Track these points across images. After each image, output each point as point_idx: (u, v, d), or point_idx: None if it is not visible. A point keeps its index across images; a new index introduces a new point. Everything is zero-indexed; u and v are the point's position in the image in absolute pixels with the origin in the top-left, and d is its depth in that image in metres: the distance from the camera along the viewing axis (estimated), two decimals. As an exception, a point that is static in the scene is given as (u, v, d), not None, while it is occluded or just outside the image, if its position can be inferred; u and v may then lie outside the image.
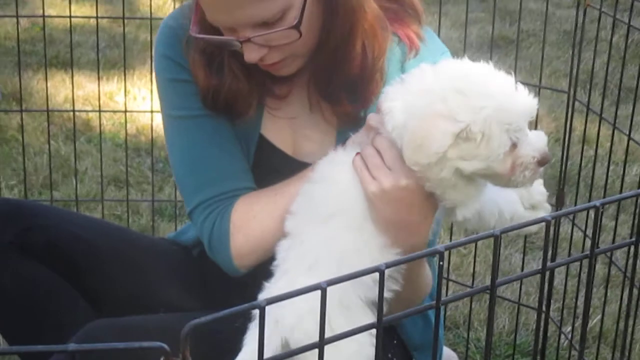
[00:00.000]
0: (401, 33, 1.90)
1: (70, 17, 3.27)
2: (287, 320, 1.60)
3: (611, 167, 2.55)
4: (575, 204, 2.78)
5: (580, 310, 2.84)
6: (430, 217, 1.72)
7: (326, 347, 1.49)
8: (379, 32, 1.83)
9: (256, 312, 1.66)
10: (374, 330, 1.65)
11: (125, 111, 3.40)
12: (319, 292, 1.65)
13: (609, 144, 2.64)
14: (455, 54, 1.82)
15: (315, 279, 1.65)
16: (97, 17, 3.24)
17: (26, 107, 4.32)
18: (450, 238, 3.01)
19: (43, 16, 3.26)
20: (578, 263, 2.82)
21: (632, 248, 1.28)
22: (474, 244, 3.12)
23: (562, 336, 2.79)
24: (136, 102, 4.66)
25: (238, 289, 1.86)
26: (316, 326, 1.57)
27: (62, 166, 3.96)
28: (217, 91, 1.88)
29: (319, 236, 1.69)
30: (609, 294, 2.52)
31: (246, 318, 1.66)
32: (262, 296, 1.69)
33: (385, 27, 1.85)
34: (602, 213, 1.16)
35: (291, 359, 1.16)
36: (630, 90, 4.67)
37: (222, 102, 1.90)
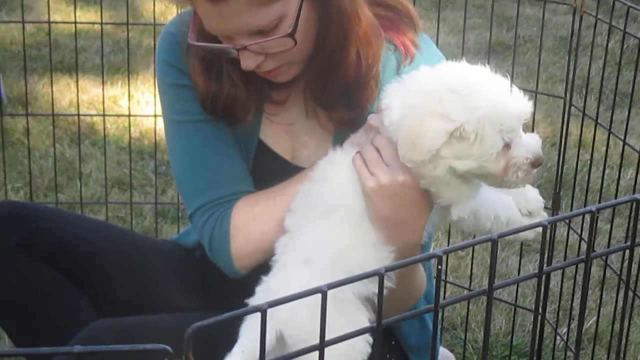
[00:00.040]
0: (397, 41, 1.90)
1: (75, 22, 3.27)
2: (281, 313, 1.61)
3: (606, 171, 2.55)
4: (571, 207, 2.78)
5: (575, 312, 2.83)
6: (425, 214, 1.73)
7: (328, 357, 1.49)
8: (372, 39, 1.83)
9: (251, 300, 1.69)
10: (365, 324, 1.67)
11: (129, 115, 3.40)
12: (310, 286, 1.67)
13: (604, 148, 2.64)
14: (453, 59, 1.82)
15: (310, 273, 1.68)
16: (101, 23, 3.25)
17: (32, 111, 4.32)
18: (448, 241, 3.01)
19: (49, 22, 3.26)
20: (574, 266, 2.82)
21: (627, 252, 1.28)
22: (471, 247, 3.12)
23: (558, 337, 2.79)
24: (140, 106, 4.66)
25: (239, 290, 1.86)
26: (309, 319, 1.59)
27: (67, 169, 3.96)
28: (216, 97, 1.89)
29: (315, 232, 1.71)
30: (604, 296, 2.51)
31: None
32: (259, 289, 1.71)
33: (379, 35, 1.85)
34: (597, 217, 1.17)
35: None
36: (626, 96, 4.68)
37: (221, 108, 1.90)
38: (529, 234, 1.73)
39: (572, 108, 2.62)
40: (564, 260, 2.89)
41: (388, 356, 2.06)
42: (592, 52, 2.57)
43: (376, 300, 1.72)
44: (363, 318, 1.69)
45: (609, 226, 2.68)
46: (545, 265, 1.24)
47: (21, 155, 4.04)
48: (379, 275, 0.98)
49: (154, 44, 2.15)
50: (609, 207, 1.44)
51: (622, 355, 2.44)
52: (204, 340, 1.16)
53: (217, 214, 1.92)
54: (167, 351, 0.87)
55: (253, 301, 1.70)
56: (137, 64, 5.07)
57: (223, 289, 2.03)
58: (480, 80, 1.63)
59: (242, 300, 1.69)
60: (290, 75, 1.86)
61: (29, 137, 3.42)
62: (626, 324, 2.38)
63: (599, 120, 2.53)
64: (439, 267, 1.04)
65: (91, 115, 4.40)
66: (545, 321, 2.80)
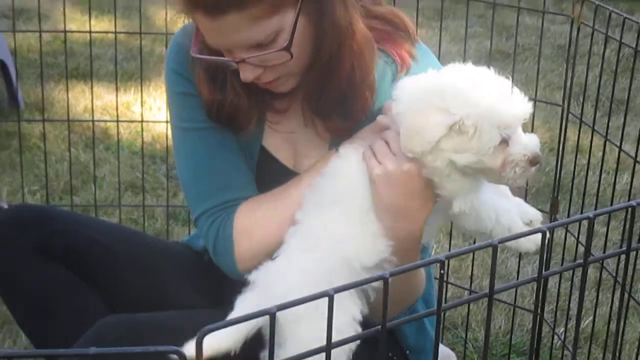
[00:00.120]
0: (393, 52, 1.90)
1: (90, 32, 3.27)
2: (276, 291, 1.66)
3: (603, 176, 2.55)
4: (569, 211, 2.77)
5: (572, 312, 2.83)
6: (428, 206, 1.74)
7: (313, 337, 1.51)
8: (366, 51, 1.83)
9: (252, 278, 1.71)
10: (355, 315, 1.69)
11: (142, 121, 3.40)
12: (308, 269, 1.69)
13: (600, 153, 2.63)
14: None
15: (309, 258, 1.71)
16: (115, 32, 3.25)
17: (48, 117, 4.33)
18: (450, 243, 3.01)
19: (64, 31, 3.27)
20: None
21: (623, 256, 1.28)
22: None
23: (555, 337, 2.78)
24: (152, 112, 4.67)
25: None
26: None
27: (81, 173, 3.97)
28: (221, 105, 1.90)
29: (319, 221, 1.75)
30: (600, 297, 2.51)
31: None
32: (258, 274, 1.73)
33: (372, 47, 1.85)
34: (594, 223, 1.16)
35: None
36: (622, 103, 4.67)
37: (225, 116, 1.91)
38: (531, 247, 1.74)
39: (570, 115, 2.62)
40: (562, 261, 2.89)
41: (390, 354, 2.06)
42: (589, 60, 2.57)
43: (369, 292, 1.74)
44: (354, 307, 1.71)
45: (605, 229, 2.67)
46: (544, 269, 1.23)
47: (38, 159, 4.05)
48: (384, 279, 0.98)
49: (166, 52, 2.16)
50: (605, 214, 1.44)
51: (617, 354, 2.44)
52: None
53: (220, 219, 1.92)
54: (179, 353, 0.87)
55: (253, 282, 1.72)
56: (150, 71, 5.07)
57: (232, 290, 2.03)
58: (483, 79, 1.66)
59: None
60: (289, 85, 1.86)
61: (45, 142, 3.43)
62: (621, 324, 2.37)
63: (595, 127, 2.53)
64: (442, 271, 1.04)
65: (105, 121, 4.41)
66: (544, 321, 2.80)
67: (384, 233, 1.74)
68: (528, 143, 1.66)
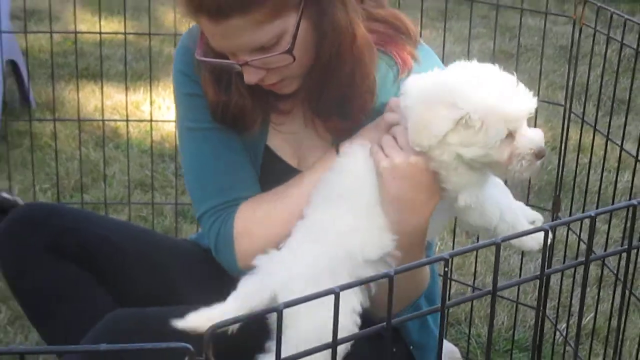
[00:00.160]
0: (395, 54, 1.90)
1: (100, 33, 3.28)
2: (278, 277, 1.68)
3: (604, 174, 2.54)
4: (571, 209, 2.77)
5: (574, 309, 2.83)
6: (434, 199, 1.74)
7: (314, 325, 1.51)
8: (365, 53, 1.83)
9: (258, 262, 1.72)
10: (355, 306, 1.70)
11: (151, 120, 3.41)
12: (312, 260, 1.70)
13: (602, 152, 2.63)
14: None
15: (315, 250, 1.72)
16: (125, 33, 3.25)
17: (59, 116, 4.33)
18: (453, 240, 3.00)
19: (75, 32, 3.27)
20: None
21: (624, 254, 1.28)
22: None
23: (557, 333, 2.78)
24: (161, 111, 4.67)
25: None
26: (303, 289, 1.63)
27: (91, 171, 3.97)
28: (225, 107, 1.90)
29: (326, 215, 1.76)
30: (601, 293, 2.50)
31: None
32: (263, 260, 1.74)
33: (371, 50, 1.85)
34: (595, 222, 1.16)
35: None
36: (623, 102, 4.66)
37: (229, 117, 1.91)
38: (534, 245, 1.74)
39: (572, 114, 2.62)
40: (564, 259, 2.89)
41: (394, 349, 2.07)
42: (590, 61, 2.57)
43: (371, 285, 1.75)
44: (354, 298, 1.72)
45: (606, 226, 2.67)
46: (546, 267, 1.23)
47: (49, 157, 4.05)
48: (389, 277, 0.98)
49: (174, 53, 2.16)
50: (607, 213, 1.44)
51: (618, 350, 2.44)
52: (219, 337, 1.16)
53: (222, 218, 1.93)
54: (188, 349, 0.87)
55: (257, 266, 1.73)
56: (159, 72, 5.07)
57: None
58: (489, 75, 1.67)
59: None
60: (293, 87, 1.87)
61: (56, 141, 3.43)
62: (622, 320, 2.37)
63: (597, 126, 2.53)
64: (446, 269, 1.04)
65: (115, 120, 4.41)
66: (546, 317, 2.79)
67: (389, 227, 1.75)
68: (533, 137, 1.67)
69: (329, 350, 1.04)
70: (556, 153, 2.81)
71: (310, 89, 1.86)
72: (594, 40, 2.50)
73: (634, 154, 2.37)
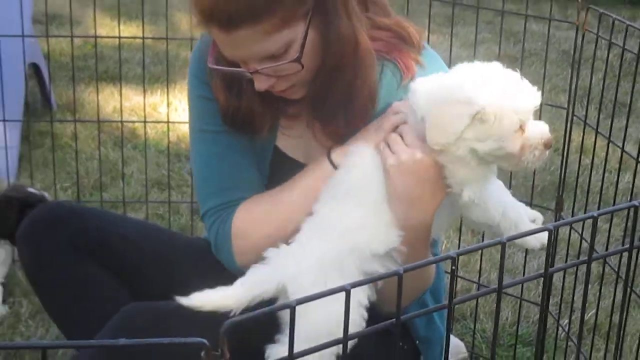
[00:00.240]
0: (399, 61, 1.90)
1: (119, 37, 3.29)
2: (288, 270, 1.69)
3: (606, 175, 2.54)
4: (573, 209, 2.76)
5: (576, 305, 2.82)
6: (439, 195, 1.75)
7: (322, 317, 1.51)
8: (367, 61, 1.84)
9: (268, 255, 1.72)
10: (361, 300, 1.70)
11: (168, 121, 3.42)
12: (320, 255, 1.70)
13: (604, 154, 2.62)
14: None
15: (323, 245, 1.72)
16: (143, 37, 3.26)
17: (79, 118, 4.34)
18: (459, 239, 3.00)
19: (95, 36, 3.28)
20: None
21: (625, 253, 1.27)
22: (480, 243, 3.10)
23: (560, 328, 2.77)
24: (177, 113, 4.67)
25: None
26: (311, 283, 1.65)
27: (110, 170, 3.98)
28: (236, 111, 1.91)
29: (334, 212, 1.76)
30: (602, 290, 2.50)
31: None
32: (272, 253, 1.74)
33: (372, 58, 1.85)
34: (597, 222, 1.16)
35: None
36: (624, 105, 4.64)
37: (239, 121, 1.92)
38: (537, 244, 1.74)
39: (574, 117, 2.61)
40: (566, 257, 2.88)
41: (402, 344, 2.07)
42: (593, 65, 2.56)
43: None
44: (361, 292, 1.72)
45: (607, 225, 2.66)
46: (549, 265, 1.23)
47: (69, 157, 4.06)
48: (398, 275, 0.98)
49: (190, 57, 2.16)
50: (609, 213, 1.43)
51: (619, 345, 2.43)
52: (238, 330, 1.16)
53: (222, 217, 1.95)
54: (205, 345, 0.87)
55: (267, 258, 1.74)
56: (175, 75, 5.08)
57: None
58: (495, 72, 1.69)
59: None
60: (302, 93, 1.88)
61: (76, 141, 3.44)
62: (624, 316, 2.36)
63: (599, 128, 2.52)
64: (453, 267, 1.04)
65: (133, 122, 4.42)
66: (549, 313, 2.79)
67: (396, 223, 1.75)
68: (541, 127, 1.70)
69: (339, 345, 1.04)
70: (559, 154, 2.79)
71: (316, 94, 1.86)
72: (596, 45, 2.50)
73: (635, 155, 2.36)
